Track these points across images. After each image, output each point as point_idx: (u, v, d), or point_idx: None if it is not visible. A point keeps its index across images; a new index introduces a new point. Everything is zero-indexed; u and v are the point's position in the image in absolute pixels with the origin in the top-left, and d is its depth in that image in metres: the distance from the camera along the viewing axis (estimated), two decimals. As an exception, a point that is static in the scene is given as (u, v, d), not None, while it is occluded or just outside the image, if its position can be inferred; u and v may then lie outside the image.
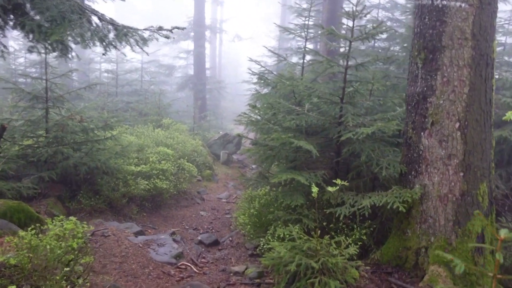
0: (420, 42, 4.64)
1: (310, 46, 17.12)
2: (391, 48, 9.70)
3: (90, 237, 5.48)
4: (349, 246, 4.38)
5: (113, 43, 5.04)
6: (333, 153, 5.89)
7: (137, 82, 19.00)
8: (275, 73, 7.88)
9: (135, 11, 45.36)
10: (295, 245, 4.31)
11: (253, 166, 16.20)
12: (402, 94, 5.98)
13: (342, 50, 11.34)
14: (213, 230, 8.05)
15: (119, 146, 8.46)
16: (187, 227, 8.17)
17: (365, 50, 10.20)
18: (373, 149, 5.10)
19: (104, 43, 4.95)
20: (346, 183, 3.99)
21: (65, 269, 3.59)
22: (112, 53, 17.07)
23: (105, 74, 18.44)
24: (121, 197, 7.79)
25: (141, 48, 5.08)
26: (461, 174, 4.39)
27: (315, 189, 3.94)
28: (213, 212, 9.34)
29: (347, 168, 5.77)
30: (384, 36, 10.08)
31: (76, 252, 4.04)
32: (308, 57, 9.12)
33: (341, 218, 4.71)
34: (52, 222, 4.23)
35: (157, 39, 5.37)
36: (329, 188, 3.91)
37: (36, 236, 3.93)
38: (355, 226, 5.04)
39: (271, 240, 4.97)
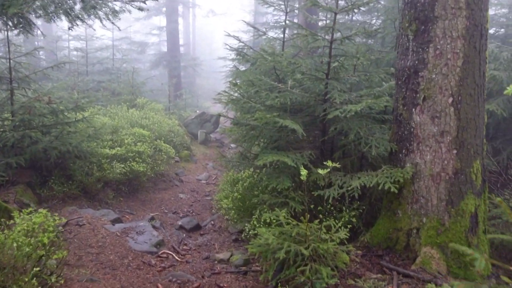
0: (411, 12, 4.37)
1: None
2: (372, 21, 9.42)
3: (63, 227, 5.13)
4: (339, 230, 4.18)
5: (80, 16, 4.59)
6: (318, 132, 5.65)
7: (108, 60, 18.28)
8: (254, 48, 7.52)
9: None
10: (283, 231, 4.09)
11: (232, 145, 15.92)
12: (387, 69, 5.75)
13: (320, 23, 11.02)
14: (194, 214, 7.78)
15: (91, 128, 8.01)
16: (166, 211, 7.87)
17: (345, 24, 9.91)
18: (361, 126, 4.87)
19: (69, 17, 4.50)
20: (337, 165, 3.75)
21: (35, 269, 3.26)
22: (81, 29, 16.30)
23: (74, 53, 17.63)
24: (96, 182, 7.40)
25: (112, 22, 4.65)
26: (454, 151, 4.20)
27: (304, 172, 3.70)
28: (192, 194, 9.06)
29: (333, 147, 5.54)
30: (364, 8, 9.80)
31: (48, 247, 3.72)
32: (287, 32, 8.78)
33: (329, 201, 4.48)
34: (20, 216, 3.87)
35: (129, 11, 4.93)
36: (320, 171, 3.66)
37: (1, 232, 3.58)
38: (344, 208, 4.84)
39: (257, 225, 4.73)
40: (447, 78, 4.15)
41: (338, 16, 5.20)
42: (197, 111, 15.79)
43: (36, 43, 21.94)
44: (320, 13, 11.75)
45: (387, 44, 8.09)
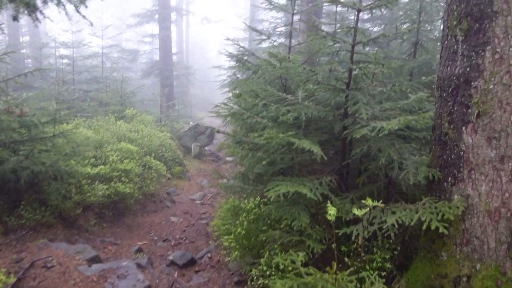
0: (461, 7, 3.50)
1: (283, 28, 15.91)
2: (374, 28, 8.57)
3: (27, 271, 4.17)
4: (374, 282, 3.28)
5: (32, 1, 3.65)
6: (336, 152, 4.76)
7: (97, 68, 17.34)
8: (257, 55, 6.64)
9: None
10: (304, 283, 3.18)
11: (228, 158, 14.99)
12: (432, 77, 4.90)
13: (324, 27, 10.20)
14: (187, 241, 6.83)
15: (72, 144, 7.07)
16: (156, 238, 6.93)
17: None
18: (392, 147, 3.99)
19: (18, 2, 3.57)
20: (381, 205, 2.85)
21: None
22: (69, 35, 15.37)
23: (63, 60, 16.65)
24: (74, 206, 6.45)
25: (77, 10, 3.74)
26: (518, 182, 3.33)
27: (332, 211, 2.81)
28: (186, 217, 8.10)
29: (356, 171, 4.64)
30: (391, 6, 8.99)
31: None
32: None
33: (358, 241, 3.59)
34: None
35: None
36: (357, 211, 2.77)
37: None
38: (374, 248, 3.94)
39: (267, 271, 3.80)
40: (509, 90, 3.29)
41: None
42: (191, 123, 14.88)
43: (23, 50, 21.01)
44: (323, 19, 10.94)
45: (403, 51, 7.26)
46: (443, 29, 3.75)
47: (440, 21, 7.07)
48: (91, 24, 4.59)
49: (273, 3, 6.58)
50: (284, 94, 4.94)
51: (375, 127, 3.74)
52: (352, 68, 4.33)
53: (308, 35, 4.26)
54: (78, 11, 3.77)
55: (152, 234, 7.10)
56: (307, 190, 3.56)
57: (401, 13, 6.95)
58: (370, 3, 4.29)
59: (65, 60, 15.87)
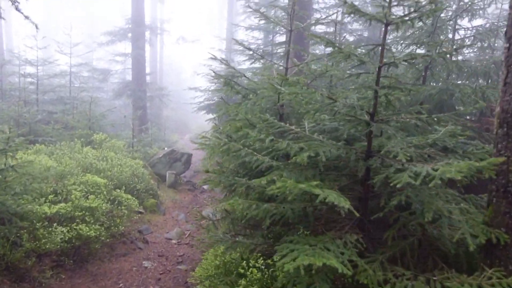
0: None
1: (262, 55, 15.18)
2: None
3: None
4: None
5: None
6: (354, 195, 3.86)
7: (64, 88, 16.09)
8: (246, 76, 5.73)
9: (65, 17, 41.49)
10: None
11: (204, 187, 13.95)
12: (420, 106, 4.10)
13: (317, 51, 9.44)
14: (163, 295, 5.76)
15: (27, 178, 5.96)
16: (125, 291, 5.83)
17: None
18: (439, 200, 3.12)
19: None
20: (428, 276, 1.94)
21: None
22: (34, 53, 14.20)
23: (26, 79, 15.36)
24: (26, 256, 5.31)
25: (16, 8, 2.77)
26: None
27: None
28: (160, 261, 7.01)
29: (384, 223, 3.74)
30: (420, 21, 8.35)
31: None
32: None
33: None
34: None
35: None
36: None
37: None
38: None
39: None
40: None
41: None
42: (165, 148, 13.80)
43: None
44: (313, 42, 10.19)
45: (409, 76, 6.51)
46: (507, 53, 2.93)
47: (450, 41, 6.39)
48: (37, 27, 3.62)
49: (269, 19, 5.72)
50: (287, 124, 4.05)
51: (418, 172, 2.86)
52: (379, 94, 3.47)
53: (330, 55, 3.36)
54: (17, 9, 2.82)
55: (121, 285, 5.99)
56: (337, 262, 2.62)
57: (410, 32, 6.20)
58: (399, 15, 3.47)
59: (29, 79, 14.64)
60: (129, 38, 20.56)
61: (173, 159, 12.64)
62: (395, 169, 3.12)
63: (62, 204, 6.12)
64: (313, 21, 6.44)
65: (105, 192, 7.11)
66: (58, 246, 5.61)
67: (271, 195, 3.22)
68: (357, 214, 2.83)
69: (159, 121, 23.66)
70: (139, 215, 8.64)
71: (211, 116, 23.39)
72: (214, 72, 5.57)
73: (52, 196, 6.32)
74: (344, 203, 2.71)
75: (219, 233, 4.82)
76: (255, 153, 3.70)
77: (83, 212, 6.28)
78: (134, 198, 7.63)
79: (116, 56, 21.43)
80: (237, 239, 4.01)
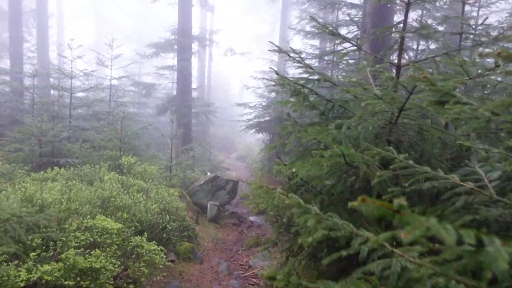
0: None
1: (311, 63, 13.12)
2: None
3: None
4: None
5: None
6: None
7: (101, 103, 14.60)
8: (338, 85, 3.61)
9: (116, 29, 41.36)
10: None
11: (251, 218, 11.86)
12: None
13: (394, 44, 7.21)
14: None
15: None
16: None
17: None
18: None
19: None
20: None
21: None
22: (68, 63, 12.81)
23: (59, 93, 14.01)
24: None
25: None
26: None
27: None
28: None
29: None
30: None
31: None
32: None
33: None
34: None
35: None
36: None
37: None
38: None
39: None
40: None
41: None
42: (208, 174, 11.86)
43: (28, 79, 18.55)
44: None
45: None
46: None
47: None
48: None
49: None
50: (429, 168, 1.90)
51: None
52: None
53: None
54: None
55: None
56: None
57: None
58: None
59: (63, 92, 13.24)
60: (174, 50, 19.09)
61: (216, 187, 10.65)
62: None
63: (50, 266, 4.19)
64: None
65: (117, 242, 5.16)
66: None
67: None
68: None
69: (205, 139, 21.95)
70: (170, 264, 6.61)
71: (260, 135, 21.48)
72: (277, 73, 3.48)
73: (38, 251, 4.41)
74: None
75: None
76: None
77: (80, 277, 4.33)
78: (159, 249, 5.61)
79: (160, 69, 19.97)
80: None
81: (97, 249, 4.77)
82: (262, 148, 16.50)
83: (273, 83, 12.05)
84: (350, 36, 12.69)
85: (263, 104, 16.94)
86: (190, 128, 18.53)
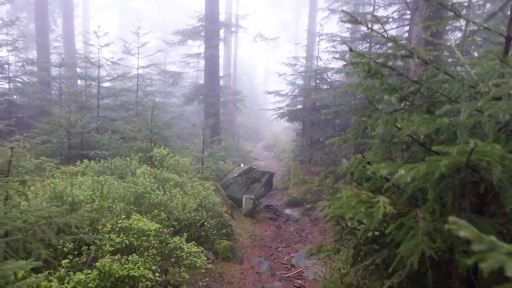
0: None
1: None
2: None
3: None
4: None
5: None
6: None
7: (130, 93, 14.17)
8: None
9: (141, 19, 41.02)
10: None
11: (287, 211, 11.30)
12: None
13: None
14: None
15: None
16: None
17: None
18: None
19: None
20: None
21: None
22: (94, 52, 12.40)
23: (86, 82, 13.62)
24: None
25: None
26: None
27: None
28: None
29: None
30: None
31: None
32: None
33: None
34: None
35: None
36: None
37: None
38: None
39: None
40: None
41: None
42: (242, 165, 11.33)
43: (55, 69, 18.31)
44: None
45: None
46: None
47: None
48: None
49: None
50: None
51: None
52: None
53: None
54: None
55: None
56: None
57: None
58: None
59: (91, 81, 12.86)
60: (201, 37, 18.51)
61: (251, 180, 10.10)
62: None
63: (82, 275, 3.71)
64: None
65: (155, 244, 4.66)
66: None
67: None
68: None
69: (232, 129, 21.43)
70: (208, 264, 6.10)
71: (287, 124, 20.80)
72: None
73: (66, 262, 3.93)
74: None
75: None
76: None
77: (116, 286, 3.85)
78: (199, 250, 5.09)
79: (188, 57, 19.43)
80: None
81: (134, 254, 4.27)
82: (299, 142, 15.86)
83: (302, 69, 11.29)
84: (395, 15, 11.86)
85: (296, 92, 16.25)
86: (219, 117, 18.01)
